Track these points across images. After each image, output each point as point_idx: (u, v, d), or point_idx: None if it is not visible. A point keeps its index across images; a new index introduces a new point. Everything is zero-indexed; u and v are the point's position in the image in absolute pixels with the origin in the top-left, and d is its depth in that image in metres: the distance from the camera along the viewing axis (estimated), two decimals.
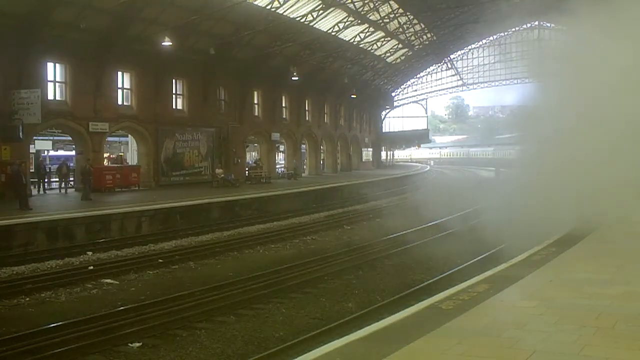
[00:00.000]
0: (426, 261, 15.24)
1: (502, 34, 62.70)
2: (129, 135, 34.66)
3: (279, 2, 32.65)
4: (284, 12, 34.35)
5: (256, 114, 41.83)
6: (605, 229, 12.20)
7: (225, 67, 35.43)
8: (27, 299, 12.34)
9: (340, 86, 50.24)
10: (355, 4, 37.92)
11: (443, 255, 15.29)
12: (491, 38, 63.73)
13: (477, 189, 28.48)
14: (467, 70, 68.28)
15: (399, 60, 54.69)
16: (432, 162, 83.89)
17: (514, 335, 5.74)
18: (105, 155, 34.06)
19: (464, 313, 6.57)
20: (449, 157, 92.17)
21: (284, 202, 28.45)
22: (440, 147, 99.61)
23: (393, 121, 72.02)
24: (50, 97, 27.14)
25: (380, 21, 42.93)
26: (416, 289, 12.10)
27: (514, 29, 61.55)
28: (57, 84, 27.65)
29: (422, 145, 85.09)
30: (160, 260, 16.04)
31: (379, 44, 47.31)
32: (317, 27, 38.12)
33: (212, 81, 35.61)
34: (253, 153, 49.24)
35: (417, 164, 78.39)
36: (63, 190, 28.48)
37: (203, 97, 35.43)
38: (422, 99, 71.42)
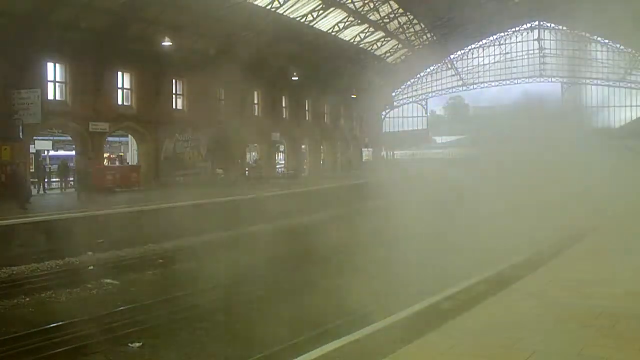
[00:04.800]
0: None
1: (502, 34, 62.76)
2: (129, 135, 34.64)
3: (279, 2, 32.66)
4: (284, 12, 34.35)
5: (256, 114, 41.81)
6: None
7: (225, 67, 35.38)
8: (27, 299, 12.34)
9: (340, 86, 50.17)
10: (355, 4, 37.95)
11: None
12: (491, 38, 63.75)
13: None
14: (467, 70, 68.25)
15: (399, 60, 54.66)
16: None
17: (514, 335, 5.73)
18: (105, 155, 34.05)
19: (464, 313, 6.57)
20: (450, 157, 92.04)
21: (284, 203, 28.36)
22: (439, 148, 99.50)
23: (393, 121, 71.98)
24: (50, 97, 27.13)
25: (380, 21, 42.95)
26: None
27: (514, 29, 61.74)
28: (57, 84, 27.64)
29: (421, 145, 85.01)
30: (160, 260, 16.03)
31: (379, 44, 47.33)
32: (317, 27, 38.12)
33: (212, 81, 35.57)
34: (253, 153, 49.20)
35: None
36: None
37: (203, 97, 35.41)
38: (422, 99, 71.41)
